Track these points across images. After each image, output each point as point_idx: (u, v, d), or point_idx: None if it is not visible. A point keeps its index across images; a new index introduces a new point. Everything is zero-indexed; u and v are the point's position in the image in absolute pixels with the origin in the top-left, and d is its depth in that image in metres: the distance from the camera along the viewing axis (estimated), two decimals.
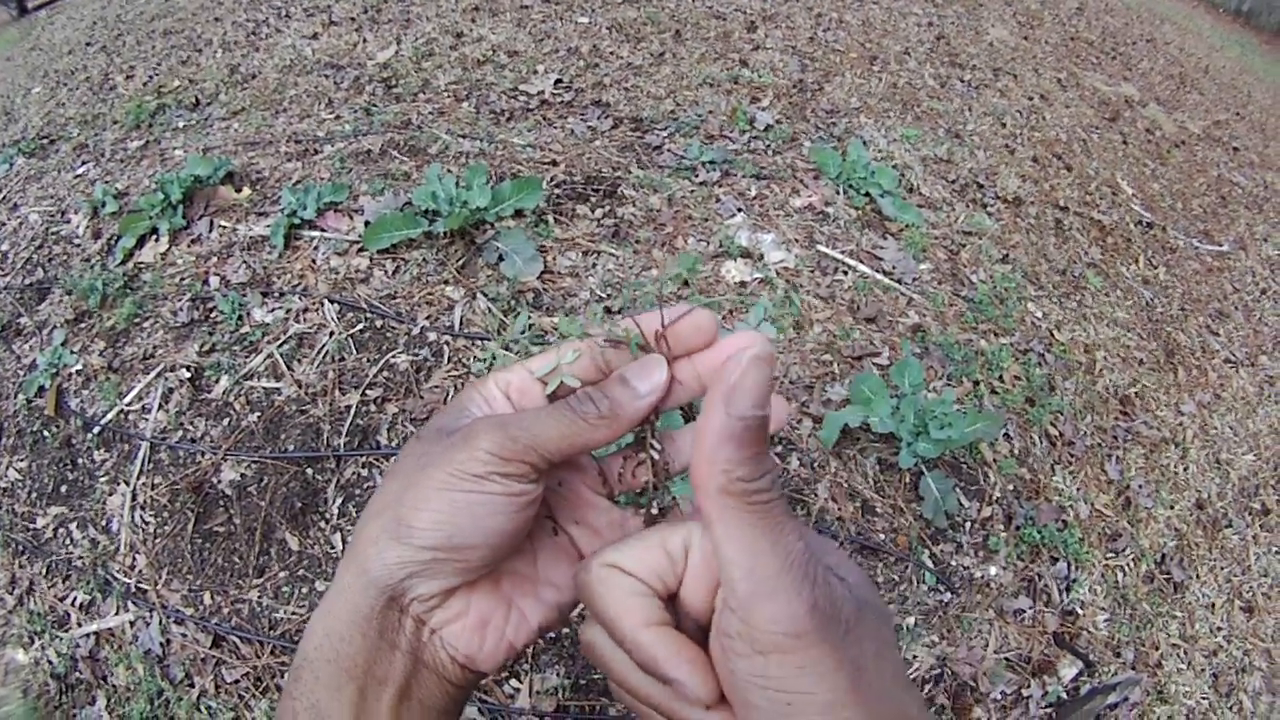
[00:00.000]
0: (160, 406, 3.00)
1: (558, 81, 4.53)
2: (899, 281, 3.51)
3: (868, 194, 3.88)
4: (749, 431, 0.49)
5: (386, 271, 3.21)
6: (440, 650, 0.59)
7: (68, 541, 2.90)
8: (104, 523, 2.88)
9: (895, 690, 0.51)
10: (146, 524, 2.81)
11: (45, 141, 4.83)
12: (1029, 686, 2.64)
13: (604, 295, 3.12)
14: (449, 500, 0.55)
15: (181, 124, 4.55)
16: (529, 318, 3.02)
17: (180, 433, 2.93)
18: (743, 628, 0.48)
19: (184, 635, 2.59)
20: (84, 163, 4.40)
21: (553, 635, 2.42)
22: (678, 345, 0.60)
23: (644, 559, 0.54)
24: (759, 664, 0.48)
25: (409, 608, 0.57)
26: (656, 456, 0.65)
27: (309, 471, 2.76)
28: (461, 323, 3.03)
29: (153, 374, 3.08)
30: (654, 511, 0.66)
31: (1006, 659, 2.67)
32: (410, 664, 0.57)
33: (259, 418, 2.88)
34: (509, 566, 0.63)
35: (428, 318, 3.04)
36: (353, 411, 2.84)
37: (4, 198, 4.35)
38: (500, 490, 0.55)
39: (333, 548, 2.62)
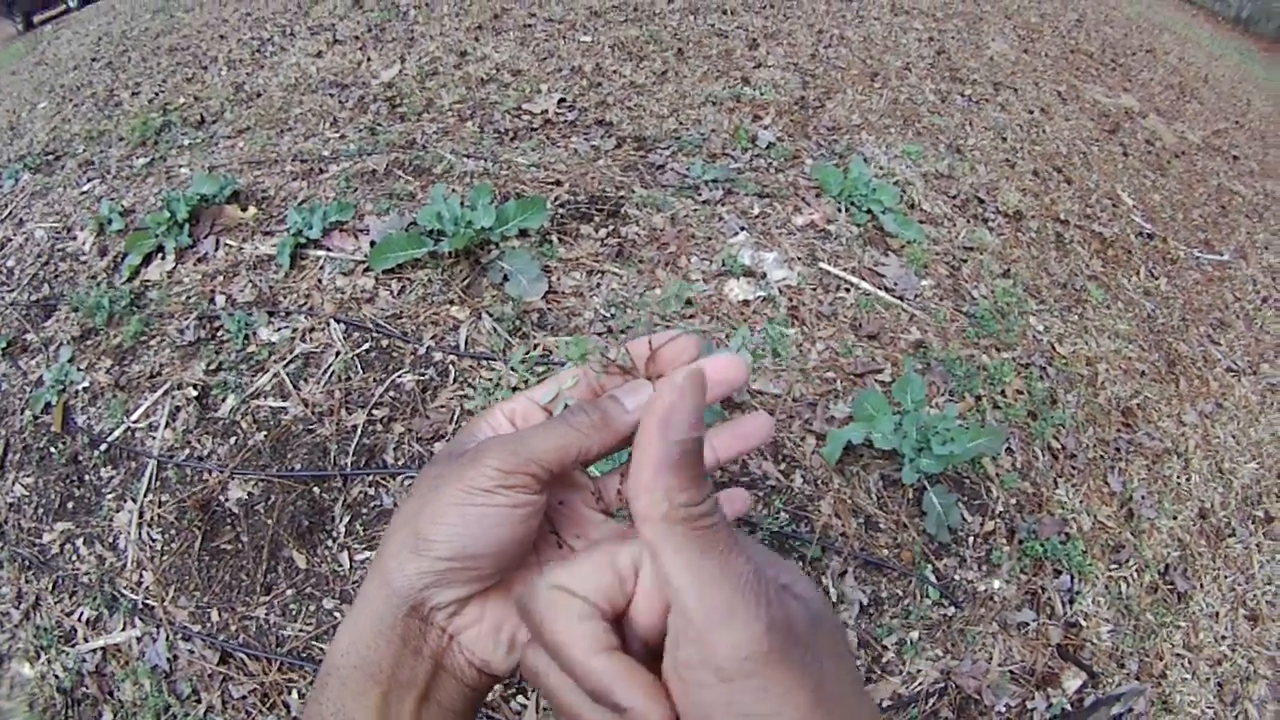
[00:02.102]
0: (167, 424, 3.02)
1: (561, 101, 4.55)
2: (901, 298, 3.52)
3: (869, 211, 3.89)
4: (687, 455, 0.49)
5: (392, 291, 3.23)
6: (459, 655, 0.62)
7: (74, 557, 2.91)
8: (111, 539, 2.89)
9: (853, 701, 0.51)
10: (154, 541, 2.82)
11: (51, 157, 4.86)
12: (1033, 699, 2.64)
13: (608, 315, 3.14)
14: (461, 514, 0.58)
15: (187, 142, 4.57)
16: (533, 342, 3.04)
17: (187, 451, 2.95)
18: (702, 657, 0.47)
19: (191, 651, 2.60)
20: (90, 179, 4.42)
21: None
22: (665, 368, 0.66)
23: (591, 579, 0.53)
24: (723, 692, 0.46)
25: (430, 616, 0.60)
26: None
27: (316, 490, 2.78)
28: (467, 343, 3.04)
29: (159, 392, 3.10)
30: None
31: (1011, 672, 2.67)
32: (432, 668, 0.61)
33: (266, 436, 2.90)
34: (519, 577, 0.65)
35: (433, 337, 3.06)
36: (359, 431, 2.86)
37: (10, 213, 4.37)
38: (506, 502, 0.58)
39: (340, 566, 2.63)
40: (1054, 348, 3.74)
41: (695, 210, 3.72)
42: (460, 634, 0.62)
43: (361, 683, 0.59)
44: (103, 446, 3.05)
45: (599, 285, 3.27)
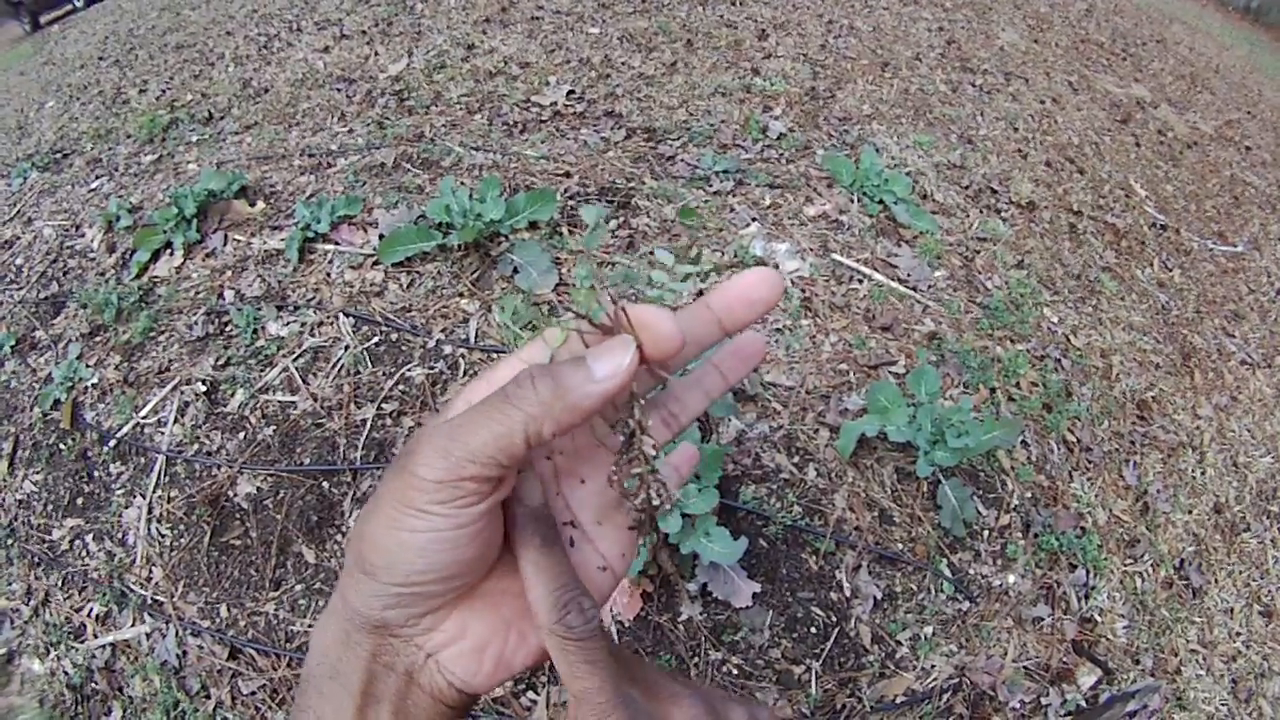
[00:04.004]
0: (176, 420, 3.01)
1: (570, 92, 4.54)
2: (914, 289, 3.50)
3: (881, 201, 3.87)
4: (562, 593, 0.54)
5: (401, 285, 3.22)
6: (437, 675, 0.57)
7: (84, 553, 2.91)
8: (120, 535, 2.89)
9: None
10: (163, 536, 2.82)
11: (59, 156, 4.86)
12: (1048, 695, 2.63)
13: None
14: (398, 540, 0.52)
15: (195, 138, 4.57)
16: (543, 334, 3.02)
17: (196, 446, 2.94)
18: None
19: (200, 647, 2.60)
20: (98, 177, 4.43)
21: None
22: (644, 334, 0.55)
23: None
24: None
25: (398, 633, 0.55)
26: (650, 453, 0.57)
27: (325, 485, 2.77)
28: (477, 335, 3.03)
29: (168, 387, 3.10)
30: (633, 523, 0.61)
31: (1025, 667, 2.65)
32: (404, 684, 0.56)
33: (275, 431, 2.89)
34: (510, 585, 0.59)
35: (443, 330, 3.04)
36: (368, 425, 2.84)
37: (18, 212, 4.38)
38: (446, 524, 0.51)
39: None
40: (1068, 339, 3.71)
41: (706, 201, 3.70)
42: (439, 653, 0.57)
43: (336, 694, 0.55)
44: (111, 442, 3.05)
45: (610, 277, 3.25)
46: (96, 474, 3.04)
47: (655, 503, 0.59)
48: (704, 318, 0.61)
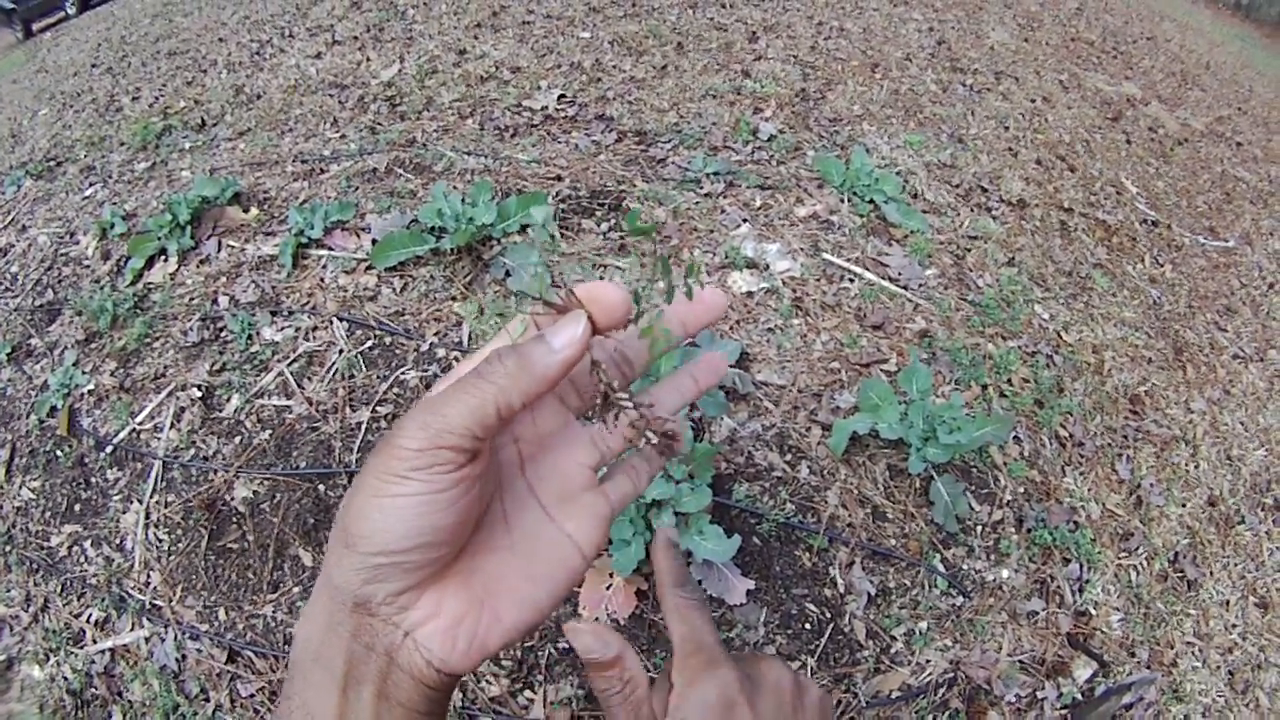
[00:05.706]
0: (172, 425, 3.02)
1: (561, 96, 4.55)
2: (905, 288, 3.51)
3: (872, 201, 3.88)
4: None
5: (394, 289, 3.23)
6: (415, 653, 0.58)
7: (82, 559, 2.91)
8: (118, 540, 2.89)
9: None
10: (160, 541, 2.83)
11: (53, 163, 4.87)
12: (1043, 688, 2.63)
13: None
14: (380, 507, 0.54)
15: (188, 145, 4.58)
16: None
17: (192, 451, 2.95)
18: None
19: (199, 650, 2.60)
20: (92, 184, 4.43)
21: (566, 646, 2.43)
22: (601, 314, 0.60)
23: None
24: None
25: (376, 611, 0.57)
26: (632, 410, 0.64)
27: (321, 488, 2.78)
28: (470, 338, 3.04)
29: (164, 393, 3.10)
30: (660, 450, 0.68)
31: (1020, 661, 2.66)
32: (385, 664, 0.57)
33: (270, 435, 2.90)
34: (481, 564, 0.62)
35: (436, 334, 3.06)
36: (363, 428, 2.86)
37: (12, 220, 4.38)
38: (424, 489, 0.54)
39: None
40: (1060, 335, 3.72)
41: (697, 203, 3.71)
42: (416, 630, 0.58)
43: (321, 677, 0.56)
44: (108, 448, 3.06)
45: (602, 279, 3.26)
46: (94, 480, 3.05)
47: (652, 434, 0.66)
48: (673, 320, 0.68)
